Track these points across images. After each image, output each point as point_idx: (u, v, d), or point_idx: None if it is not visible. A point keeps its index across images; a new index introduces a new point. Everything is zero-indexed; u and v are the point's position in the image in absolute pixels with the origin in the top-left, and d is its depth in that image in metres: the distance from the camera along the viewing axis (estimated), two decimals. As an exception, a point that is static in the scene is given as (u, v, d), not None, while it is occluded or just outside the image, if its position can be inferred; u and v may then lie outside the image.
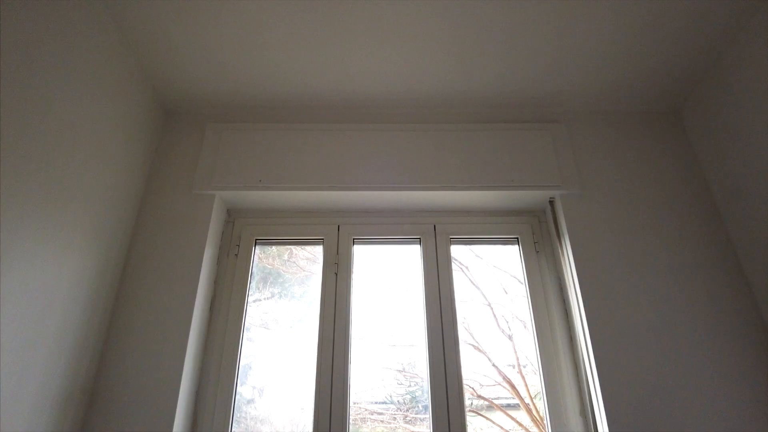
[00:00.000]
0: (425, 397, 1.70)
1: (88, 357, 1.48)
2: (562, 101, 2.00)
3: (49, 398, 1.31)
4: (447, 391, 1.63)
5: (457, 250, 1.96)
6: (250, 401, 1.74)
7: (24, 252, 1.21)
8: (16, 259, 1.18)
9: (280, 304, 1.94)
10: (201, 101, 1.96)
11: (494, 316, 2.02)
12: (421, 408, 1.77)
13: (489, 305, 2.04)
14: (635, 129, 2.00)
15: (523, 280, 1.89)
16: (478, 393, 1.90)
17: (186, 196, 1.81)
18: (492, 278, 2.03)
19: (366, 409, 1.82)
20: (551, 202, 1.89)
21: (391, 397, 1.86)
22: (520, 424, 1.87)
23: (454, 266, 1.92)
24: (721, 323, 1.61)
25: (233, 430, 1.61)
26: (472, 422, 1.77)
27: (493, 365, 1.95)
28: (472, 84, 1.89)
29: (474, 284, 2.08)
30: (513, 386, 1.89)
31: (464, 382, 1.75)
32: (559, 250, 1.81)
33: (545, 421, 1.63)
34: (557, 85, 1.91)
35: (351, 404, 1.66)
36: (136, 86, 1.75)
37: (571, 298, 1.72)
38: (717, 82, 1.80)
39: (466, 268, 2.06)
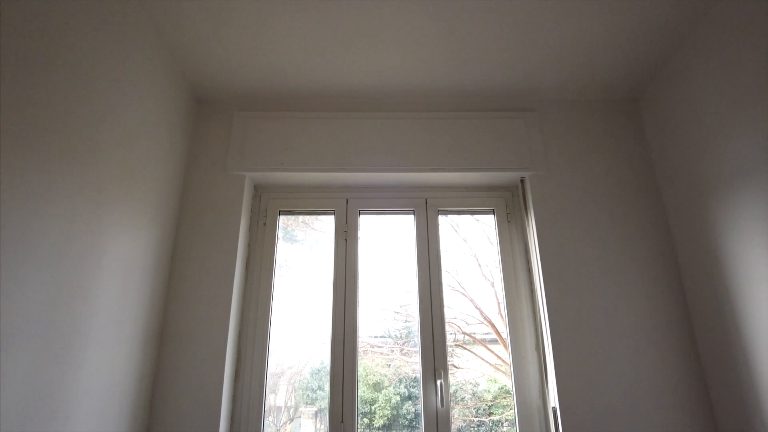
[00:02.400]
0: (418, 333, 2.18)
1: (157, 305, 1.94)
2: (538, 92, 2.32)
3: (138, 339, 1.78)
4: (433, 329, 2.11)
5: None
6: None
7: (115, 232, 1.63)
8: (112, 238, 1.60)
9: (283, 246, 2.36)
10: (227, 92, 2.30)
11: (479, 265, 2.45)
12: (415, 342, 2.24)
13: (475, 256, 2.47)
14: (598, 117, 2.35)
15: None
16: (464, 330, 2.38)
17: (221, 176, 2.20)
18: (479, 232, 2.45)
19: (368, 343, 2.29)
20: (522, 181, 2.28)
21: (389, 331, 2.33)
22: (498, 356, 2.36)
23: (447, 224, 2.36)
24: (648, 279, 2.06)
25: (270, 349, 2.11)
26: (460, 354, 2.27)
27: (476, 307, 2.41)
28: (460, 77, 2.21)
29: (463, 239, 2.51)
30: (492, 325, 2.36)
31: (452, 321, 2.22)
32: (526, 221, 2.23)
33: (509, 352, 2.12)
34: (534, 78, 2.22)
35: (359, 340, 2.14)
36: (172, 79, 2.07)
37: (532, 259, 2.16)
38: (668, 76, 2.12)
39: (457, 225, 2.48)
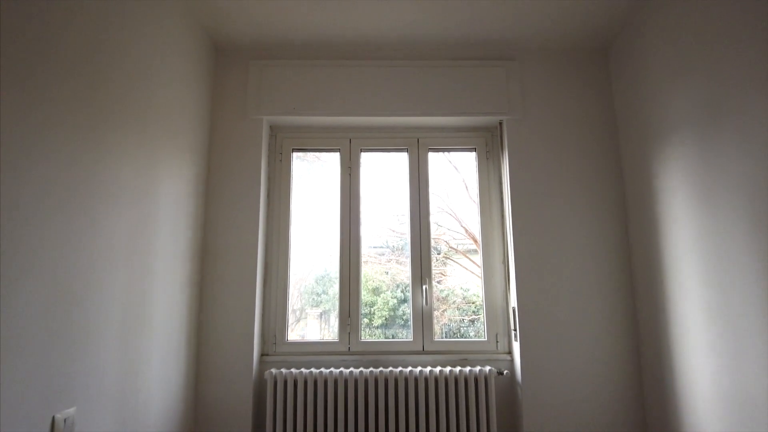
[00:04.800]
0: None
1: (199, 230, 2.42)
2: (518, 41, 2.59)
3: (188, 254, 2.28)
4: (420, 245, 2.62)
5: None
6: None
7: (165, 172, 2.06)
8: (164, 179, 2.04)
9: (296, 170, 2.75)
10: (243, 41, 2.57)
11: (466, 188, 2.90)
12: (408, 254, 2.73)
13: (463, 181, 2.91)
14: (572, 66, 2.63)
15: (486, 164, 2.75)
16: (451, 245, 2.89)
17: (242, 120, 2.57)
18: (471, 160, 2.83)
19: (368, 254, 2.78)
20: (500, 123, 2.65)
21: (387, 242, 2.81)
22: (479, 266, 2.88)
23: (439, 155, 2.79)
24: (599, 209, 2.51)
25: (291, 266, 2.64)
26: (448, 263, 2.78)
27: (462, 226, 2.90)
28: (449, 28, 2.47)
29: (455, 168, 2.93)
30: (475, 240, 2.86)
31: (442, 237, 2.70)
32: (501, 158, 2.64)
33: (481, 264, 2.65)
34: (515, 29, 2.47)
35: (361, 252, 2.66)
36: (194, 31, 2.36)
37: (504, 191, 2.61)
38: (632, 30, 2.39)
39: (449, 152, 2.88)
